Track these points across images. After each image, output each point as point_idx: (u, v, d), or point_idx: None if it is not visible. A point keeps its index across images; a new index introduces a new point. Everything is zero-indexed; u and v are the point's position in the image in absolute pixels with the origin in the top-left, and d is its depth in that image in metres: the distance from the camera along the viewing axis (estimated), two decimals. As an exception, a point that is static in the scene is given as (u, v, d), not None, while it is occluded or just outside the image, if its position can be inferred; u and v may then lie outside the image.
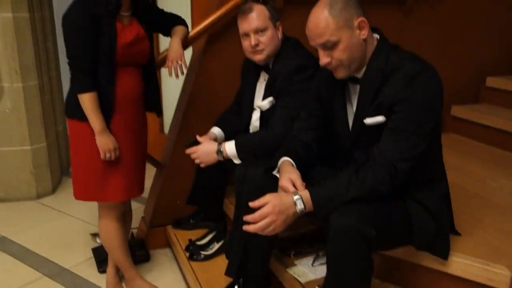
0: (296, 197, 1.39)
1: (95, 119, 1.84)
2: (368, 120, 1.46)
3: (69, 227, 2.80)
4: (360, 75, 1.49)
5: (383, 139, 1.41)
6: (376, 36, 1.49)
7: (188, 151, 2.03)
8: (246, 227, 1.40)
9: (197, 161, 1.99)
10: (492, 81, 3.08)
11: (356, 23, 1.40)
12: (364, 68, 1.47)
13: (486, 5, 3.00)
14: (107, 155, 1.88)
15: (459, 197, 2.01)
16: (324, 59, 1.43)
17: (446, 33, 2.95)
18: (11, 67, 2.88)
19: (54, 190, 3.27)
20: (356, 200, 1.36)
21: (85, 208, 2.95)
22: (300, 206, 1.39)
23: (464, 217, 1.82)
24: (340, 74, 1.47)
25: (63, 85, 3.57)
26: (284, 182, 1.48)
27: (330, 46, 1.41)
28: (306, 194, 1.40)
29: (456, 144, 2.85)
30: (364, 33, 1.42)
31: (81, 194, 2.00)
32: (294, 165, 1.57)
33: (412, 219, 1.47)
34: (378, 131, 1.44)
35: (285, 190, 1.46)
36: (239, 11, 1.93)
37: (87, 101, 1.82)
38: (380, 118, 1.44)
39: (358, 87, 1.50)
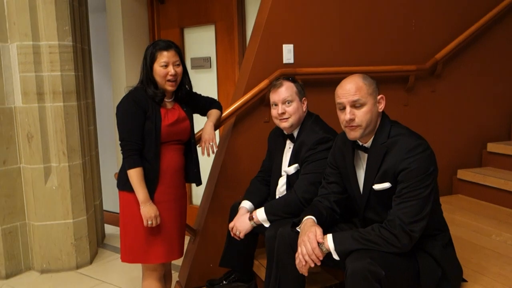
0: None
1: (140, 191, 2.13)
2: (376, 186, 1.77)
3: (109, 294, 3.02)
4: (367, 144, 1.80)
5: (396, 207, 1.69)
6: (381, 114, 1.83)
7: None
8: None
9: (236, 232, 2.27)
10: (492, 147, 3.37)
11: (378, 97, 1.77)
12: (371, 139, 1.78)
13: (481, 78, 3.38)
14: (149, 222, 2.15)
15: (468, 250, 2.25)
16: (349, 115, 1.74)
17: (447, 105, 3.30)
18: (59, 149, 3.25)
19: (91, 260, 3.51)
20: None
21: (121, 276, 3.19)
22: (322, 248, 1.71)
23: (472, 266, 2.05)
24: (356, 133, 1.76)
25: (100, 164, 3.94)
26: (311, 234, 1.75)
27: (357, 106, 1.73)
28: (328, 235, 1.72)
29: (464, 204, 3.09)
30: (381, 107, 1.78)
31: (128, 257, 2.25)
32: (316, 222, 1.84)
33: (419, 264, 1.72)
34: (386, 195, 1.74)
35: (311, 243, 1.72)
36: (272, 85, 2.34)
37: (134, 175, 2.13)
38: (386, 185, 1.74)
39: (366, 155, 1.81)
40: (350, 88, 1.75)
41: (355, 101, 1.74)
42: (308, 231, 1.75)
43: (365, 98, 1.73)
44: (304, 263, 1.72)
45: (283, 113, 2.25)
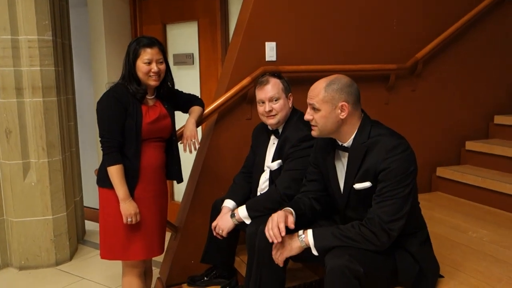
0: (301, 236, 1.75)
1: (120, 188, 2.12)
2: (357, 186, 1.79)
3: (89, 291, 3.00)
4: (347, 144, 1.82)
5: (376, 205, 1.71)
6: (362, 114, 1.84)
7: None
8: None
9: (219, 230, 2.26)
10: (470, 145, 3.43)
11: (339, 105, 1.76)
12: (352, 139, 1.80)
13: (461, 77, 3.44)
14: (129, 219, 2.13)
15: (445, 246, 2.30)
16: (308, 115, 1.83)
17: (427, 104, 3.35)
18: (38, 144, 3.20)
19: (71, 257, 3.48)
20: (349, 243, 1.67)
21: (102, 272, 3.17)
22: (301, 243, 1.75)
23: (449, 262, 2.09)
24: (314, 133, 1.85)
25: (81, 160, 3.90)
26: (281, 213, 1.78)
27: (314, 109, 1.79)
28: (309, 231, 1.75)
29: (442, 201, 3.15)
30: (343, 115, 1.77)
31: (107, 254, 2.23)
32: (293, 213, 1.84)
33: (396, 261, 1.75)
34: (366, 194, 1.76)
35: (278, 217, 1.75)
36: (258, 82, 2.33)
37: (114, 172, 2.11)
38: (367, 184, 1.76)
39: (347, 154, 1.83)
40: (311, 91, 1.82)
41: (311, 104, 1.81)
42: (280, 213, 1.79)
43: (319, 104, 1.77)
44: (270, 238, 1.73)
45: (270, 111, 2.26)
